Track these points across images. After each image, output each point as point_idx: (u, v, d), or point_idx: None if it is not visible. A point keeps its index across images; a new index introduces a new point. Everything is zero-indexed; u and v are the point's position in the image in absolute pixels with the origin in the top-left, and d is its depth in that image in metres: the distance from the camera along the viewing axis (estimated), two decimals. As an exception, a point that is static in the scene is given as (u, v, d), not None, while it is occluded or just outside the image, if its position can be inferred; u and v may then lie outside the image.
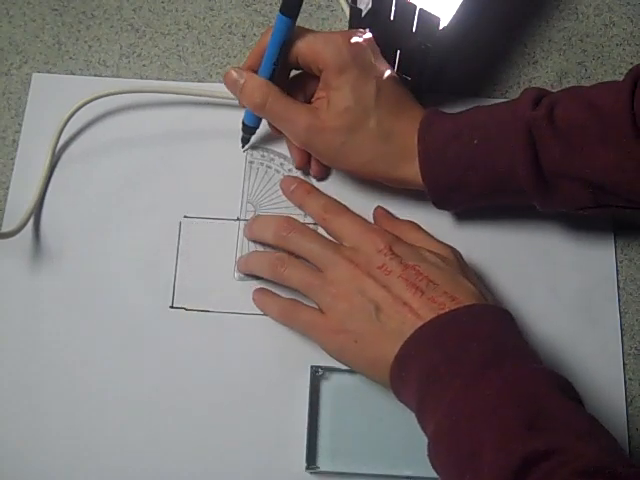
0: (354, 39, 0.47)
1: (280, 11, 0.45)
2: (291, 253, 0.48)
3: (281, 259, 0.47)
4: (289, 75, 0.51)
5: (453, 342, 0.39)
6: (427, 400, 0.39)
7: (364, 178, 0.51)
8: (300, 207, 0.51)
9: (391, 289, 0.43)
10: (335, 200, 0.50)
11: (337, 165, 0.50)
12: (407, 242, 0.46)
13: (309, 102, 0.50)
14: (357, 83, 0.46)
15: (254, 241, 0.51)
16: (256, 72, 0.48)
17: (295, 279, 0.46)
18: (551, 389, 0.37)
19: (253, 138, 0.53)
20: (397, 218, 0.51)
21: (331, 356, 0.45)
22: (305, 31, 0.47)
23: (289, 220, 0.48)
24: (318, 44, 0.46)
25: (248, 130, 0.52)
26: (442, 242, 0.47)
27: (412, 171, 0.47)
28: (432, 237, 0.48)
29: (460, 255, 0.47)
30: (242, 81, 0.48)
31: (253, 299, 0.49)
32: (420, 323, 0.40)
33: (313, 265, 0.47)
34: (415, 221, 0.50)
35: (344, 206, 0.50)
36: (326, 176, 0.53)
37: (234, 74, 0.48)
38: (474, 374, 0.38)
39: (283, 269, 0.47)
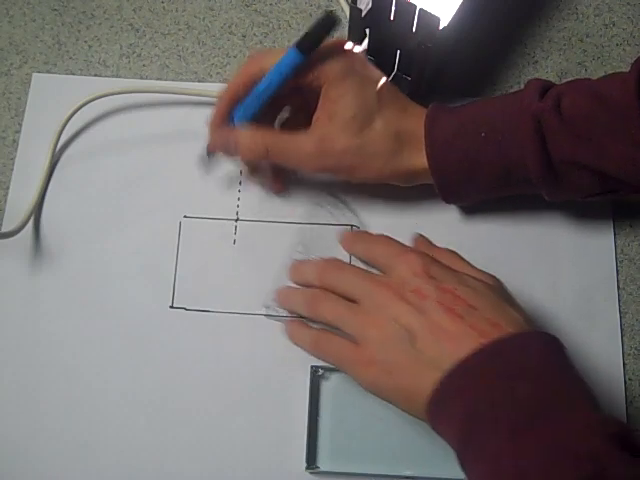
0: (346, 46, 0.46)
1: (296, 46, 0.44)
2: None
3: (316, 295, 0.45)
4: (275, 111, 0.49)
5: (498, 379, 0.36)
6: (469, 444, 0.36)
7: (381, 182, 0.49)
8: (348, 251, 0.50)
9: (427, 315, 0.40)
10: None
11: (356, 175, 0.48)
12: (445, 265, 0.43)
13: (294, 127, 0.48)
14: (359, 88, 0.46)
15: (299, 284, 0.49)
16: (236, 100, 0.47)
17: (328, 312, 0.44)
18: (610, 445, 0.33)
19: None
20: (436, 246, 0.48)
21: (365, 389, 0.42)
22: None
23: (329, 260, 0.46)
24: (315, 60, 0.45)
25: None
26: (483, 270, 0.44)
27: (422, 165, 0.47)
28: (472, 265, 0.45)
29: (502, 283, 0.44)
30: (234, 139, 0.46)
31: (285, 331, 0.47)
32: (460, 353, 0.37)
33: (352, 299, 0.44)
34: (417, 217, 0.50)
35: (384, 236, 0.47)
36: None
37: (222, 135, 0.47)
38: (522, 422, 0.35)
39: (317, 305, 0.44)
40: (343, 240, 0.49)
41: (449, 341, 0.38)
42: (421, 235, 0.49)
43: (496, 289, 0.42)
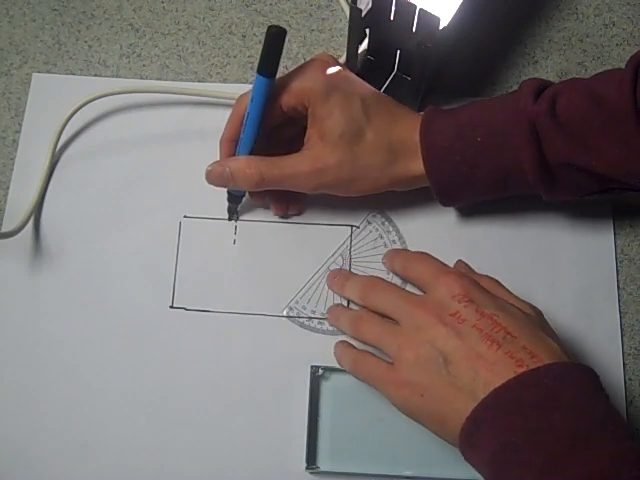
0: (328, 68, 0.46)
1: (258, 72, 0.44)
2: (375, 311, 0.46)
3: (359, 316, 0.45)
4: (269, 133, 0.49)
5: (533, 409, 0.36)
6: (504, 474, 0.36)
7: (378, 192, 0.49)
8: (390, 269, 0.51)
9: (463, 339, 0.39)
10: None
11: (354, 189, 0.48)
12: (486, 289, 0.43)
13: (293, 147, 0.48)
14: (344, 104, 0.46)
15: (342, 296, 0.51)
16: (235, 140, 0.48)
17: (369, 333, 0.44)
18: None
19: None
20: (476, 272, 0.48)
21: (399, 410, 0.42)
22: (278, 81, 0.46)
23: (372, 279, 0.47)
24: (296, 84, 0.46)
25: (236, 200, 0.51)
26: (523, 299, 0.44)
27: (419, 171, 0.47)
28: (512, 293, 0.44)
29: (542, 313, 0.44)
30: (228, 170, 0.46)
31: (334, 353, 0.47)
32: (495, 382, 0.37)
33: (393, 320, 0.44)
34: (416, 217, 0.50)
35: (425, 253, 0.47)
36: (303, 211, 0.53)
37: (216, 168, 0.47)
38: (559, 453, 0.34)
39: (359, 326, 0.45)
40: (384, 256, 0.50)
41: (484, 368, 0.38)
42: (462, 261, 0.48)
43: (535, 319, 0.42)
